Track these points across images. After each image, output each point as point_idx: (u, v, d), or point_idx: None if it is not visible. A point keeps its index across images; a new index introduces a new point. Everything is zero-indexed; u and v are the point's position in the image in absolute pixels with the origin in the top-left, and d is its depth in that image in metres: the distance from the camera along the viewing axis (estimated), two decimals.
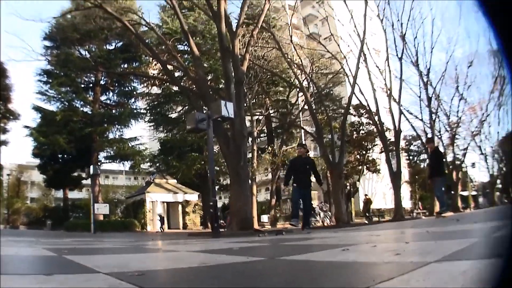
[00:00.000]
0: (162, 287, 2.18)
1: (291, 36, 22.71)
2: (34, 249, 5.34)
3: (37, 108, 31.60)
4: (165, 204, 29.48)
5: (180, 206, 29.29)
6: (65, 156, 32.20)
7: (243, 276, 2.32)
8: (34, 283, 2.08)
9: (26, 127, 31.72)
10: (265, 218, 28.32)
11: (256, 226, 16.91)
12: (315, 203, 23.63)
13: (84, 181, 34.04)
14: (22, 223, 41.67)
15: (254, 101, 28.08)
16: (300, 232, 8.93)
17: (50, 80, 31.27)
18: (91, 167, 25.80)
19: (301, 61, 23.95)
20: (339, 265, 2.45)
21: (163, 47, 22.14)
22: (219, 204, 26.33)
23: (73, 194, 39.28)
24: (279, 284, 1.99)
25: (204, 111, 12.34)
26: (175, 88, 28.50)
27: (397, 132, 23.68)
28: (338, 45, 24.35)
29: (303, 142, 28.56)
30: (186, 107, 30.19)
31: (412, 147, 44.06)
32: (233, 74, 13.72)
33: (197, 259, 3.54)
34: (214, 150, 14.91)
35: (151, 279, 2.30)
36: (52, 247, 5.56)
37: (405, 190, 37.15)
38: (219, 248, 4.74)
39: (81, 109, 31.91)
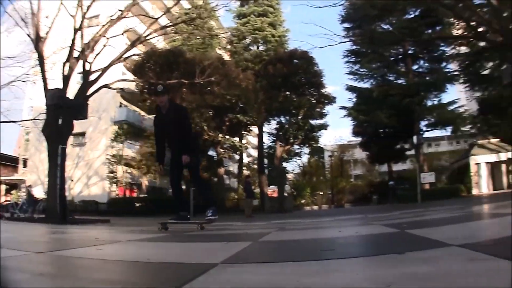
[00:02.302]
0: None
1: None
2: (373, 227, 5.11)
3: (351, 88, 33.48)
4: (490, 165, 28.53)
5: (504, 166, 28.09)
6: (387, 130, 32.63)
7: None
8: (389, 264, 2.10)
9: (343, 107, 33.84)
10: None
11: None
12: None
13: (407, 152, 33.96)
14: (347, 201, 43.52)
15: None
16: None
17: (359, 59, 32.50)
18: (414, 137, 25.82)
19: None
20: None
21: (461, 4, 19.89)
22: None
23: (397, 166, 38.78)
24: None
25: None
26: (482, 44, 24.80)
27: None
28: None
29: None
30: (497, 62, 25.70)
31: None
32: None
33: None
34: None
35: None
36: (390, 222, 5.57)
37: None
38: None
39: (396, 81, 32.06)
